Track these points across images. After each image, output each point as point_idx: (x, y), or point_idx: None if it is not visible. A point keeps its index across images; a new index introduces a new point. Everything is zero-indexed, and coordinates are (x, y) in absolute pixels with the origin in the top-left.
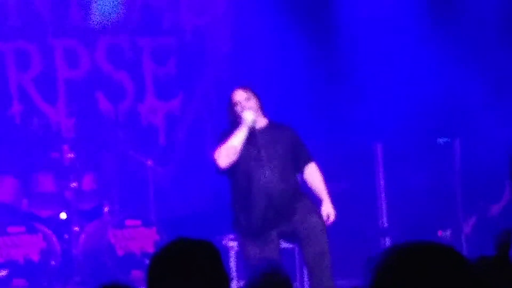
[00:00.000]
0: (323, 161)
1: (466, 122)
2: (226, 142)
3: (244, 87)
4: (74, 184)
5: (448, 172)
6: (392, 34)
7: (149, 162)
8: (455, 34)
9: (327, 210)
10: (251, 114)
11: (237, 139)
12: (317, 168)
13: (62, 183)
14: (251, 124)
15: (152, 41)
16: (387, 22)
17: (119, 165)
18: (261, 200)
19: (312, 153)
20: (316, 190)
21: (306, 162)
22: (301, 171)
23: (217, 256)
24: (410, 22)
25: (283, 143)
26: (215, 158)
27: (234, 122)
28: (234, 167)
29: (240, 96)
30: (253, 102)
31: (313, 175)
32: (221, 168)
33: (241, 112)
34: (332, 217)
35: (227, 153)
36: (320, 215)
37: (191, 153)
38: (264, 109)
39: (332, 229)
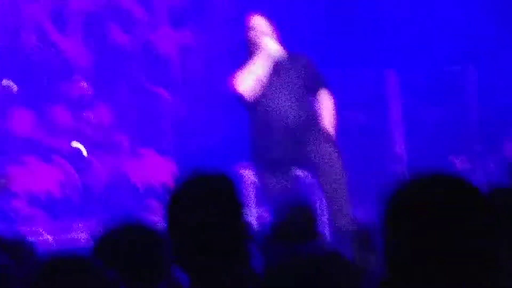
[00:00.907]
0: (336, 89)
1: (481, 50)
2: (248, 70)
3: (261, 13)
4: (89, 115)
5: (464, 99)
6: None
7: (164, 93)
8: None
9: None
10: (275, 44)
11: (260, 67)
12: (329, 99)
13: (77, 114)
14: (275, 54)
15: None
16: None
17: (134, 96)
18: (278, 128)
19: (326, 82)
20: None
21: (319, 92)
22: (314, 100)
23: (232, 186)
24: None
25: (298, 71)
26: (236, 86)
27: (248, 47)
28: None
29: (257, 21)
30: (270, 30)
31: (324, 106)
32: (242, 96)
33: (258, 38)
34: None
35: (250, 82)
36: (335, 143)
37: (206, 82)
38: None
39: (347, 157)
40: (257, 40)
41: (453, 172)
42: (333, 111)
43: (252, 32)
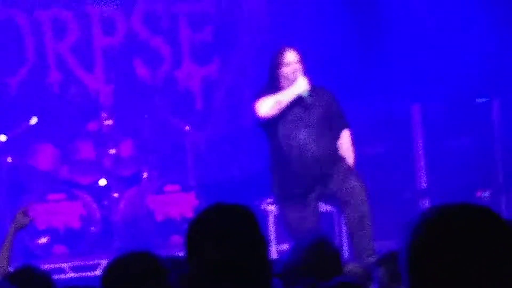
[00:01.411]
0: (361, 123)
1: (505, 83)
2: (273, 95)
3: (295, 48)
4: (112, 151)
5: (487, 133)
6: None
7: (187, 128)
8: None
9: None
10: (306, 84)
11: (286, 98)
12: (349, 136)
13: (101, 150)
14: (305, 94)
15: (189, 6)
16: None
17: (157, 131)
18: (299, 162)
19: (350, 116)
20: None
21: (341, 128)
22: (336, 136)
23: (254, 220)
24: None
25: (322, 107)
26: (257, 107)
27: (276, 80)
28: (274, 130)
29: (292, 57)
30: (301, 66)
31: (344, 143)
32: (260, 117)
33: (292, 74)
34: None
35: (271, 105)
36: (359, 177)
37: (228, 117)
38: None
39: (372, 191)
40: (291, 77)
41: (479, 204)
42: (353, 146)
43: (285, 67)
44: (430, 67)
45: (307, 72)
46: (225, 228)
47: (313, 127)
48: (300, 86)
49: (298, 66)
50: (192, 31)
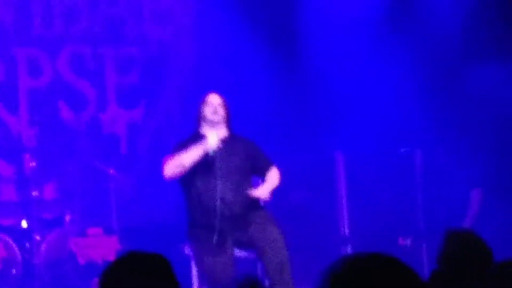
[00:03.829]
0: (283, 169)
1: (426, 133)
2: (179, 155)
3: (220, 94)
4: (35, 193)
5: (409, 181)
6: (354, 41)
7: (111, 171)
8: (419, 44)
9: (261, 190)
10: (216, 141)
11: (190, 159)
12: (277, 171)
13: (23, 192)
14: (212, 149)
15: (115, 51)
16: (348, 30)
17: (81, 174)
18: (215, 211)
19: (272, 161)
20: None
21: (267, 169)
22: (263, 178)
23: (168, 268)
24: (371, 31)
25: (240, 155)
26: (163, 165)
27: (198, 122)
28: (190, 179)
29: (214, 99)
30: (222, 111)
31: (271, 175)
32: (165, 177)
33: (211, 115)
34: (262, 196)
35: (174, 167)
36: (278, 226)
37: (152, 162)
38: (231, 122)
39: (293, 238)
40: (209, 117)
41: (390, 254)
42: (272, 177)
43: (206, 106)
44: (354, 114)
45: (229, 120)
46: (138, 277)
47: (231, 175)
48: (209, 142)
49: (219, 109)
50: (118, 74)
